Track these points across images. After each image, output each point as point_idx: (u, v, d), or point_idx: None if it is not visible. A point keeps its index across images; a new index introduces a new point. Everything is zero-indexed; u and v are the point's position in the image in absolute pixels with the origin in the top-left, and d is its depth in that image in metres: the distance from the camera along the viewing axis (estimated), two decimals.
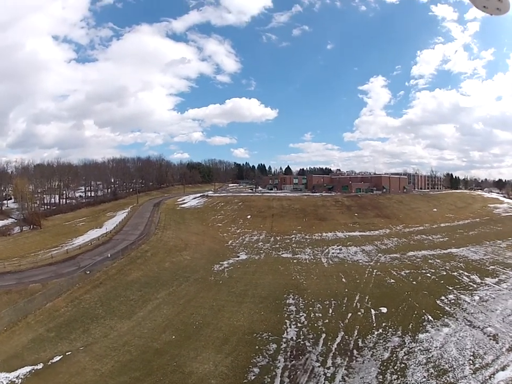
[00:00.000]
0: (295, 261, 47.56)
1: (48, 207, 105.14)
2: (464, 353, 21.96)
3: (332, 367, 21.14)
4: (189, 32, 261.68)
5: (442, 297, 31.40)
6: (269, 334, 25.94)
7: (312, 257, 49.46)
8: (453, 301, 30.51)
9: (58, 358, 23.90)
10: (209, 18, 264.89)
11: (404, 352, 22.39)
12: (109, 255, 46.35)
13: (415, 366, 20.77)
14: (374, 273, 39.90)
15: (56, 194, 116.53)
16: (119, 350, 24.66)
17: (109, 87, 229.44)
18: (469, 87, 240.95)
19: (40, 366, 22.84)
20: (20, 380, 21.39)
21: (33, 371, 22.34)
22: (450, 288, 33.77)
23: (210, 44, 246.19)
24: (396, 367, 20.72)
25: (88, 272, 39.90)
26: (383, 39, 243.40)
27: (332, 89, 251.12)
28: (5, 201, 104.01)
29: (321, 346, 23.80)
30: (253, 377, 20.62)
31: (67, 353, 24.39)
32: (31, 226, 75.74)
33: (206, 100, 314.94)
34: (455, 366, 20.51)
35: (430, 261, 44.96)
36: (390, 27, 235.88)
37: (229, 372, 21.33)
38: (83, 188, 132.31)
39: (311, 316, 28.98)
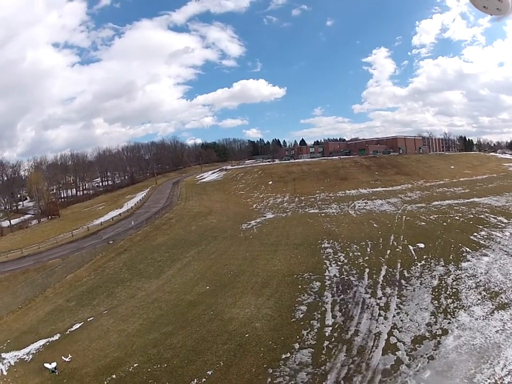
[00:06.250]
0: (323, 214, 46.35)
1: (65, 199, 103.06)
2: (509, 277, 20.75)
3: (383, 297, 20.05)
4: (189, 22, 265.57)
5: (475, 234, 29.96)
6: (310, 273, 24.71)
7: (339, 210, 48.23)
8: (485, 236, 29.06)
9: (78, 325, 21.51)
10: (208, 7, 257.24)
11: (452, 279, 21.32)
12: (132, 223, 45.15)
13: (466, 290, 19.69)
14: (404, 219, 38.43)
15: (72, 189, 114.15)
16: (148, 307, 22.49)
17: (116, 84, 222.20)
18: (470, 54, 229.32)
19: (56, 337, 20.40)
20: (30, 356, 18.74)
21: (47, 344, 19.79)
22: (481, 227, 32.18)
23: (213, 32, 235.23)
24: (448, 292, 19.66)
25: (112, 242, 38.49)
26: (381, 11, 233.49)
27: (337, 64, 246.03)
28: (20, 202, 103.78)
29: (368, 280, 22.75)
30: (301, 315, 18.99)
31: (88, 319, 22.12)
32: (49, 216, 73.84)
33: (214, 85, 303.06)
34: (504, 289, 19.35)
35: (455, 207, 43.13)
36: None
37: (273, 313, 19.49)
38: (99, 179, 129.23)
39: (350, 255, 27.95)
